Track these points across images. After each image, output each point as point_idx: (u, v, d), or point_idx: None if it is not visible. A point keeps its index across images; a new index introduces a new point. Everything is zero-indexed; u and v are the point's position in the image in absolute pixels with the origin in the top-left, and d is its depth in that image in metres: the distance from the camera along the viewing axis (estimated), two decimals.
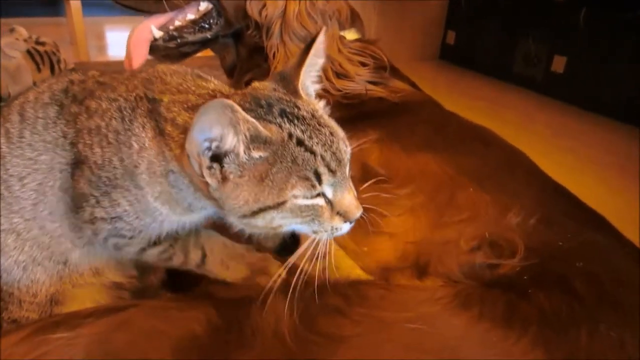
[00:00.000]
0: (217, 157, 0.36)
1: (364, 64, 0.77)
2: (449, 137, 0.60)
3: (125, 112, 0.41)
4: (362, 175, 0.53)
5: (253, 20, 0.78)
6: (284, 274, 0.39)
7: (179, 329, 0.36)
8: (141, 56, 0.81)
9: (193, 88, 0.42)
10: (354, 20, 0.85)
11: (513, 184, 0.48)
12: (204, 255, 0.48)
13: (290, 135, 0.36)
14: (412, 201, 0.46)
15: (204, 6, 0.79)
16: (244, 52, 0.85)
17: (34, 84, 1.41)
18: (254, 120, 0.34)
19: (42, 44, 1.49)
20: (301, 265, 0.38)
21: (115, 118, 0.41)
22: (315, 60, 0.42)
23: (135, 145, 0.40)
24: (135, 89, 0.43)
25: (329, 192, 0.37)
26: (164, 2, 0.75)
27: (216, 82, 0.44)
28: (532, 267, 0.38)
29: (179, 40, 0.81)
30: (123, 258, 0.50)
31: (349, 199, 0.38)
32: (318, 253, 0.38)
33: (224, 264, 0.49)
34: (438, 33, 2.10)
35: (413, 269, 0.40)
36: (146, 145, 0.40)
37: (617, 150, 1.29)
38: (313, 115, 0.38)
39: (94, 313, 0.41)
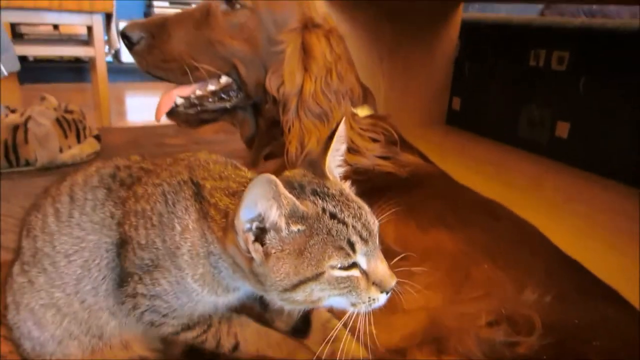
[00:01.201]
0: (261, 233, 0.38)
1: (374, 140, 0.82)
2: (460, 211, 0.62)
3: (168, 196, 0.45)
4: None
5: (271, 96, 0.83)
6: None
7: None
8: (163, 114, 0.87)
9: (233, 176, 0.46)
10: (366, 97, 0.91)
11: (526, 259, 0.50)
12: (237, 343, 0.50)
13: (323, 210, 0.39)
14: (429, 279, 0.48)
15: (224, 79, 0.86)
16: (263, 125, 0.90)
17: (60, 149, 1.49)
18: (291, 196, 0.38)
19: (70, 112, 1.59)
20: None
21: (159, 202, 0.45)
22: (339, 146, 0.46)
23: (178, 227, 0.43)
24: (179, 174, 0.47)
25: (363, 263, 0.40)
26: (189, 75, 0.82)
27: (251, 173, 0.48)
28: (551, 346, 0.39)
29: (199, 108, 0.87)
30: (151, 332, 0.51)
31: (382, 268, 0.40)
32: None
33: (259, 353, 0.50)
34: (444, 99, 2.17)
35: (431, 345, 0.41)
36: (189, 227, 0.43)
37: (622, 212, 1.30)
38: (341, 193, 0.42)
39: None
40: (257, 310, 0.53)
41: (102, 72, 2.02)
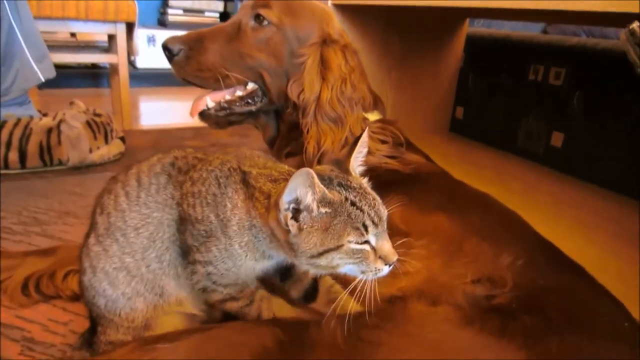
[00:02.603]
0: (297, 212, 0.48)
1: (383, 141, 0.91)
2: (457, 201, 0.73)
3: (220, 180, 0.55)
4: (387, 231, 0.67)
5: (292, 101, 0.92)
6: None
7: (254, 342, 0.47)
8: (196, 113, 0.98)
9: (274, 167, 0.57)
10: (377, 104, 1.01)
11: (507, 236, 0.61)
12: (274, 319, 0.58)
13: (346, 198, 0.49)
14: (427, 250, 0.59)
15: (251, 86, 0.96)
16: (284, 128, 1.00)
17: (90, 150, 1.60)
18: (322, 186, 0.48)
19: (99, 115, 1.69)
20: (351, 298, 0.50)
21: (212, 184, 0.55)
22: (361, 149, 0.55)
23: (229, 205, 0.53)
24: (229, 162, 0.56)
25: (373, 240, 0.49)
26: (221, 82, 0.92)
27: (287, 167, 0.58)
28: (519, 298, 0.50)
29: (227, 111, 0.97)
30: (198, 294, 0.60)
31: (387, 246, 0.50)
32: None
33: None
34: (448, 108, 2.27)
35: (427, 298, 0.52)
36: (238, 205, 0.53)
37: (610, 218, 1.39)
38: (360, 187, 0.51)
39: (186, 332, 0.53)
40: (277, 282, 0.64)
41: (124, 78, 2.10)
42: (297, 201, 0.48)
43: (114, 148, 1.69)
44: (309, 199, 0.47)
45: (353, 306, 0.50)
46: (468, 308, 0.49)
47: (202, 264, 0.56)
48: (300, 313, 0.60)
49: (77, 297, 0.82)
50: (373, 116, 0.98)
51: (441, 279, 0.54)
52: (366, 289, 0.50)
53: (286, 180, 0.53)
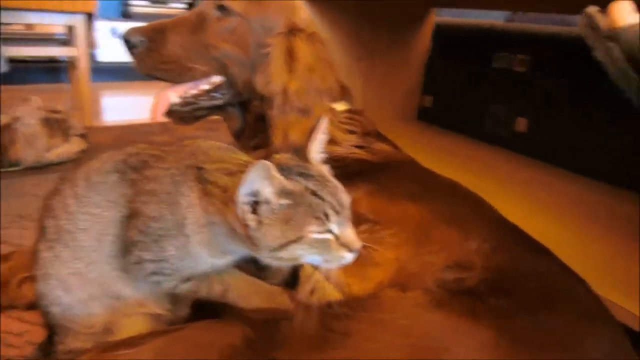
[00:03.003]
0: (256, 205, 0.47)
1: (351, 132, 0.90)
2: (425, 189, 0.73)
3: (175, 178, 0.53)
4: (355, 220, 0.67)
5: (259, 93, 0.90)
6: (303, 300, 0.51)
7: (222, 342, 0.47)
8: (160, 114, 0.94)
9: (230, 159, 0.55)
10: (344, 93, 1.00)
11: (474, 222, 0.62)
12: (225, 289, 0.58)
13: (306, 188, 0.48)
14: (396, 239, 0.59)
15: (216, 78, 0.93)
16: (250, 119, 0.97)
17: (47, 149, 1.53)
18: (281, 177, 0.47)
19: (57, 112, 1.63)
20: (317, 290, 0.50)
21: (167, 182, 0.53)
22: (320, 137, 0.55)
23: (184, 203, 0.52)
24: (183, 159, 0.55)
25: (335, 229, 0.49)
26: (185, 75, 0.89)
27: (246, 156, 0.57)
28: (487, 281, 0.51)
29: (194, 106, 0.94)
30: (161, 293, 0.59)
31: (350, 234, 0.50)
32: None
33: (243, 296, 0.59)
34: (416, 97, 2.29)
35: (398, 286, 0.52)
36: (194, 202, 0.52)
37: (574, 198, 1.45)
38: (321, 175, 0.51)
39: (150, 334, 0.51)
40: (252, 271, 0.62)
41: (84, 72, 2.03)
42: (255, 194, 0.47)
43: (74, 146, 1.63)
44: (267, 191, 0.46)
45: (333, 295, 0.49)
46: (437, 291, 0.50)
47: (154, 262, 0.54)
48: (258, 282, 0.59)
49: (34, 305, 0.79)
50: (341, 106, 0.98)
51: (411, 268, 0.54)
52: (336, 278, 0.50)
53: (244, 172, 0.51)
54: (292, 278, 0.61)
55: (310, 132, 0.55)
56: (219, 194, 0.51)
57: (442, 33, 2.19)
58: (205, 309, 0.62)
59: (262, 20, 0.91)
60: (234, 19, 0.90)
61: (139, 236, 0.54)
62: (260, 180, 0.46)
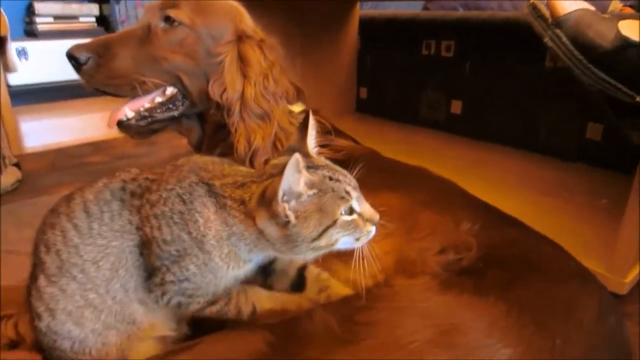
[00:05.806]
0: (287, 203, 0.49)
1: None
2: (397, 178, 0.77)
3: (184, 197, 0.53)
4: None
5: (214, 102, 0.89)
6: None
7: (247, 349, 0.47)
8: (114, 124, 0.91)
9: (234, 172, 0.56)
10: (299, 95, 1.02)
11: (454, 205, 0.67)
12: (254, 308, 0.58)
13: (324, 176, 0.51)
14: (386, 229, 0.62)
15: (170, 90, 0.91)
16: (209, 129, 0.96)
17: None
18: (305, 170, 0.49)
19: None
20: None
21: (176, 203, 0.53)
22: (312, 131, 0.58)
23: (200, 220, 0.52)
24: (186, 178, 0.55)
25: (356, 206, 0.52)
26: (138, 88, 0.86)
27: (243, 167, 0.58)
28: (482, 257, 0.55)
29: (149, 119, 0.92)
30: (167, 314, 0.59)
31: (368, 207, 0.54)
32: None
33: (273, 310, 0.59)
34: (352, 90, 2.36)
35: (404, 274, 0.55)
36: (211, 218, 0.52)
37: (513, 171, 1.58)
38: (326, 163, 0.54)
39: (170, 354, 0.51)
40: (259, 281, 0.63)
41: (5, 98, 1.91)
42: (289, 191, 0.49)
43: (10, 177, 1.51)
44: (300, 184, 0.49)
45: (343, 291, 0.51)
46: (442, 274, 0.53)
47: (175, 283, 0.54)
48: (280, 296, 0.61)
49: (15, 344, 0.73)
50: (297, 107, 0.99)
51: (410, 255, 0.58)
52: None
53: (255, 181, 0.52)
54: (299, 280, 0.62)
55: (301, 130, 0.56)
56: (236, 207, 0.52)
57: (368, 26, 2.25)
58: (202, 324, 0.62)
59: (209, 29, 0.90)
60: (182, 30, 0.88)
61: (157, 261, 0.54)
62: (294, 175, 0.48)
